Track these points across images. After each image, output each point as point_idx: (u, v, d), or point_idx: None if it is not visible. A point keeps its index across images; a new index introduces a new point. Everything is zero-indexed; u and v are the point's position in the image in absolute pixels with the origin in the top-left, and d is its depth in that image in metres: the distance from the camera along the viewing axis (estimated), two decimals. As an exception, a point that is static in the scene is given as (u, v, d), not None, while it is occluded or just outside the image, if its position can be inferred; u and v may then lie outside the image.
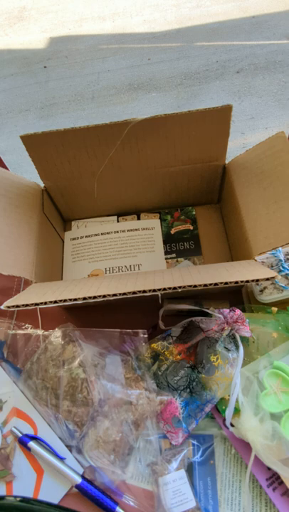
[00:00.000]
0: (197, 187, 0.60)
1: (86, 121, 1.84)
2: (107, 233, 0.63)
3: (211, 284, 0.36)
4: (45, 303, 0.37)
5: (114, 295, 0.36)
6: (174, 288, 0.36)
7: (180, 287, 0.36)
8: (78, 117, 1.88)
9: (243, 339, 0.46)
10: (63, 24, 2.34)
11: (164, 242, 0.62)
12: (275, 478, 0.41)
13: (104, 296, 0.36)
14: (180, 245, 0.61)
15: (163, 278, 0.40)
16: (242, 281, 0.36)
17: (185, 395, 0.45)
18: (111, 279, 0.42)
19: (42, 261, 0.50)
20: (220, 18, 2.14)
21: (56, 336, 0.50)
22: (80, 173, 0.54)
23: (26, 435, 0.46)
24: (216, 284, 0.36)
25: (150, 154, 0.52)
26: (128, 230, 0.63)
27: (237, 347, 0.45)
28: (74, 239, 0.64)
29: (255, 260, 0.45)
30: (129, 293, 0.36)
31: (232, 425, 0.42)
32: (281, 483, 0.40)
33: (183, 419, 0.44)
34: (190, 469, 0.43)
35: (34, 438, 0.45)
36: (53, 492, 0.43)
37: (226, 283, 0.36)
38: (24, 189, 0.52)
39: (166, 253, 0.61)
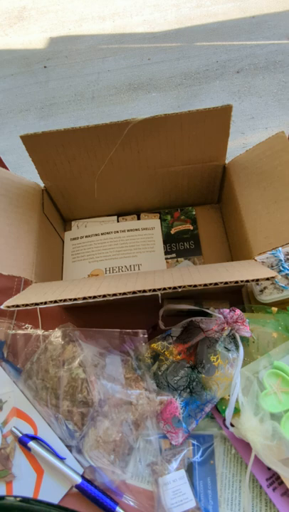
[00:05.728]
0: (197, 187, 0.60)
1: (86, 121, 1.84)
2: (107, 233, 0.63)
3: (211, 284, 0.36)
4: (45, 303, 0.37)
5: (114, 295, 0.36)
6: (174, 288, 0.36)
7: (180, 287, 0.36)
8: (78, 117, 1.88)
9: (243, 339, 0.46)
10: (63, 24, 2.34)
11: (164, 242, 0.62)
12: (275, 478, 0.41)
13: (104, 296, 0.36)
14: (180, 245, 0.61)
15: (163, 278, 0.40)
16: (242, 281, 0.36)
17: (185, 395, 0.44)
18: (111, 279, 0.42)
19: (42, 261, 0.50)
20: (220, 18, 2.14)
21: (56, 336, 0.50)
22: (80, 173, 0.54)
23: (26, 435, 0.46)
24: (216, 283, 0.36)
25: (150, 154, 0.52)
26: (128, 230, 0.63)
27: (237, 347, 0.45)
28: (74, 239, 0.64)
29: (255, 260, 0.45)
30: (129, 293, 0.36)
31: (232, 425, 0.42)
32: (281, 483, 0.40)
33: (183, 419, 0.44)
34: (190, 469, 0.43)
35: (34, 438, 0.45)
36: (53, 492, 0.43)
37: (226, 283, 0.36)
38: (24, 189, 0.52)
39: (166, 253, 0.61)
